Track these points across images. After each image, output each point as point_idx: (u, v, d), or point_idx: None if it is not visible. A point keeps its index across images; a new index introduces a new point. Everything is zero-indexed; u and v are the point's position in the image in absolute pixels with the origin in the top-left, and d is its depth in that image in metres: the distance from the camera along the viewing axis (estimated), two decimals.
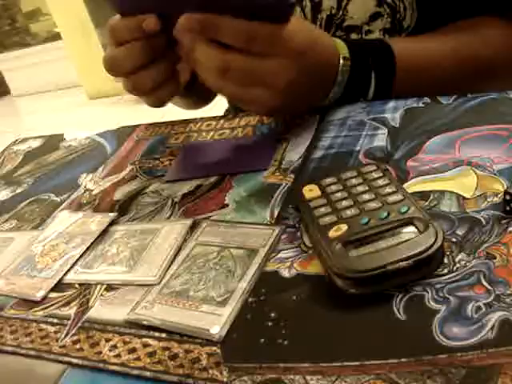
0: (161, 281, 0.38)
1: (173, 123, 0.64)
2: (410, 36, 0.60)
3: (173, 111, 0.76)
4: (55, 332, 0.36)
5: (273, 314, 0.32)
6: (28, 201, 0.56)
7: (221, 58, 0.47)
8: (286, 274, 0.35)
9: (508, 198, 0.34)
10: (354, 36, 0.61)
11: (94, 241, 0.44)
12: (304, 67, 0.48)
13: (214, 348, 0.31)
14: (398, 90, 0.54)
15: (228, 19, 0.45)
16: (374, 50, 0.54)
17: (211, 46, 0.47)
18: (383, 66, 0.54)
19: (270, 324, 0.32)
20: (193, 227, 0.42)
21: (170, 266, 0.39)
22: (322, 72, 0.51)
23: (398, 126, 0.48)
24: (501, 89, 0.48)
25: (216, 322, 0.33)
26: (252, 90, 0.48)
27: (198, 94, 0.70)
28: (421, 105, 0.50)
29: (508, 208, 0.34)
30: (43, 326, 0.37)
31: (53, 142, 0.70)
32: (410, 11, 0.60)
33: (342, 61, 0.52)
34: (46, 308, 0.39)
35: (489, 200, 0.36)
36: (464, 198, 0.37)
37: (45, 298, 0.40)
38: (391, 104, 0.52)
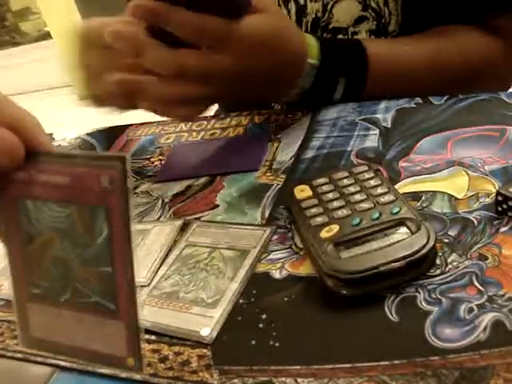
0: (150, 282, 0.37)
1: (163, 123, 0.63)
2: (387, 38, 0.61)
3: None
4: None
5: (264, 316, 0.32)
6: None
7: (174, 59, 0.45)
8: (277, 275, 0.35)
9: (500, 198, 0.33)
10: (340, 37, 0.61)
11: None
12: (257, 63, 0.47)
13: (205, 350, 0.31)
14: (369, 92, 0.54)
15: (179, 10, 0.43)
16: (347, 51, 0.53)
17: (162, 49, 0.45)
18: (354, 70, 0.53)
19: (261, 326, 0.31)
20: (183, 228, 0.42)
21: (159, 268, 0.38)
22: (282, 69, 0.50)
23: (389, 126, 0.48)
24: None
25: (206, 323, 0.32)
26: (204, 87, 0.47)
27: None
28: (412, 105, 0.50)
29: (500, 209, 0.34)
30: None
31: None
32: (394, 17, 0.60)
33: (308, 63, 0.51)
34: None
35: (481, 201, 0.36)
36: (456, 198, 0.37)
37: None
38: (383, 104, 0.52)
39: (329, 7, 0.60)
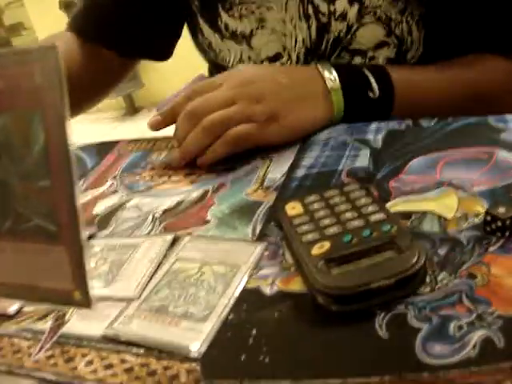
0: (139, 296, 0.37)
1: (155, 139, 0.64)
2: (411, 66, 0.62)
3: None
4: (28, 347, 0.35)
5: (254, 331, 0.32)
6: None
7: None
8: (267, 290, 0.35)
9: (489, 218, 0.34)
10: (357, 59, 0.62)
11: None
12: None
13: (194, 365, 0.30)
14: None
15: None
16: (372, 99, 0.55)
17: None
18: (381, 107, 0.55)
19: (251, 341, 0.31)
20: (174, 242, 0.42)
21: (149, 281, 0.38)
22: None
23: (380, 147, 0.49)
24: None
25: (196, 338, 0.32)
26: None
27: None
28: (403, 127, 0.51)
29: (488, 229, 0.34)
30: (16, 340, 0.36)
31: None
32: (415, 45, 0.61)
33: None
34: (19, 322, 0.37)
35: (470, 221, 0.36)
36: (445, 218, 0.37)
37: (18, 312, 0.38)
38: (374, 126, 0.53)
39: (353, 29, 0.61)
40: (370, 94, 0.54)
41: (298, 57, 0.64)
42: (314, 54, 0.63)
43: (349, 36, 0.61)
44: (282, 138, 0.53)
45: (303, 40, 0.63)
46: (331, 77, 0.53)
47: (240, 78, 0.54)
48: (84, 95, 0.77)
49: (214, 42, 0.69)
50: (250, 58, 0.67)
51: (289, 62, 0.65)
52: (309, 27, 0.62)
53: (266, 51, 0.66)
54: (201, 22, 0.69)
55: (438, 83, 0.58)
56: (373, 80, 0.54)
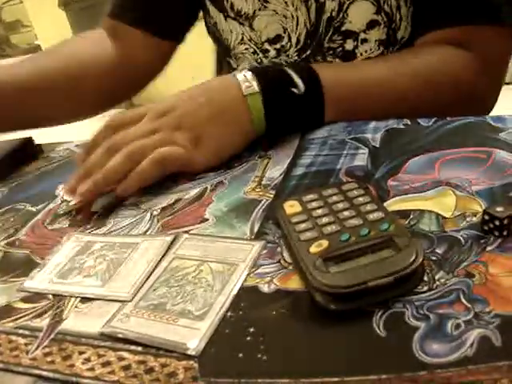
0: (133, 298, 0.36)
1: None
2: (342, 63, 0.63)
3: None
4: (26, 344, 0.35)
5: (252, 329, 0.32)
6: (3, 210, 0.54)
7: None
8: (265, 289, 0.35)
9: (487, 217, 0.34)
10: (350, 42, 0.63)
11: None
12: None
13: (192, 362, 0.30)
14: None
15: None
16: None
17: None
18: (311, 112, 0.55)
19: (248, 339, 0.31)
20: (172, 240, 0.42)
21: (145, 283, 0.38)
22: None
23: (378, 146, 0.49)
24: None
25: (194, 335, 0.32)
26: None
27: None
28: (401, 126, 0.51)
29: (486, 228, 0.34)
30: (13, 337, 0.36)
31: None
32: (404, 22, 0.62)
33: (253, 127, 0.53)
34: (16, 319, 0.37)
35: (467, 220, 0.36)
36: (443, 217, 0.37)
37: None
38: (372, 124, 0.53)
39: (344, 7, 0.61)
40: (295, 90, 0.53)
41: (298, 39, 0.65)
42: (313, 36, 0.64)
43: (340, 15, 0.62)
44: (208, 160, 0.52)
45: (304, 22, 0.64)
46: (247, 82, 0.52)
47: (161, 108, 0.52)
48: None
49: (218, 22, 0.70)
50: (251, 39, 0.67)
51: (289, 44, 0.66)
52: (308, 9, 0.63)
53: (267, 33, 0.67)
54: (207, 2, 0.70)
55: (377, 72, 0.57)
56: (295, 75, 0.53)
